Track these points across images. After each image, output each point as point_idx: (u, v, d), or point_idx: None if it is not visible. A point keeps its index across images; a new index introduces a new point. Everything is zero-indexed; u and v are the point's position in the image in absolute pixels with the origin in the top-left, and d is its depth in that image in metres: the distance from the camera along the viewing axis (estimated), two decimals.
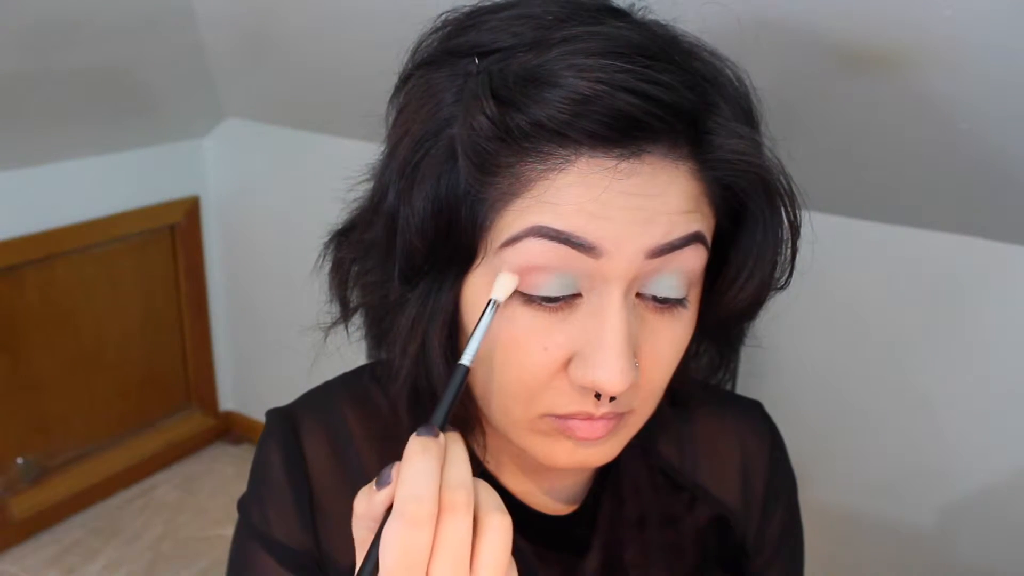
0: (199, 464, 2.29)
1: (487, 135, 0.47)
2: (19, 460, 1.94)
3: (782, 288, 0.56)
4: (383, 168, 0.54)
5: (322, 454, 0.62)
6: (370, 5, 1.33)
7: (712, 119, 0.49)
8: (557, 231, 0.46)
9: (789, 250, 0.54)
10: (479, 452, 0.61)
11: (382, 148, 0.55)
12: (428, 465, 0.42)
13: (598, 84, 0.44)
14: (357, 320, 0.62)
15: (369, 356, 0.65)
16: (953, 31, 0.86)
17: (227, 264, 2.26)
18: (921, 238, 1.31)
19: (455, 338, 0.53)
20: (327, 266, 0.61)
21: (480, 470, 0.62)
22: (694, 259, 0.49)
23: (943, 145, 1.07)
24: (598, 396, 0.49)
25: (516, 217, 0.47)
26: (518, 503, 0.62)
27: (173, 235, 2.15)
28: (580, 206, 0.46)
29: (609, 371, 0.47)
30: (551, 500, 0.63)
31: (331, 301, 0.61)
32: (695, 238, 0.49)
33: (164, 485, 2.19)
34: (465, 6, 0.54)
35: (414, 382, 0.55)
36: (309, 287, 0.67)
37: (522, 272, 0.48)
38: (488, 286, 0.49)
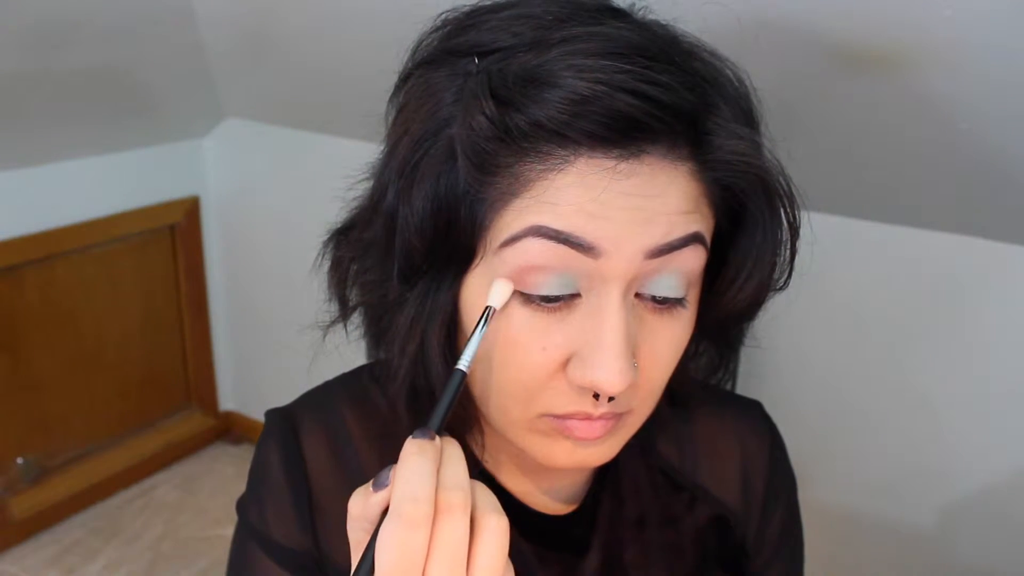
0: (199, 464, 2.29)
1: (486, 135, 0.47)
2: (19, 460, 1.94)
3: (781, 289, 0.56)
4: (382, 167, 0.54)
5: (321, 454, 0.62)
6: (370, 5, 1.33)
7: (712, 120, 0.49)
8: (556, 231, 0.46)
9: (788, 251, 0.54)
10: (478, 452, 0.61)
11: (382, 147, 0.55)
12: (424, 466, 0.42)
13: (597, 85, 0.44)
14: (356, 319, 0.62)
15: (368, 355, 0.65)
16: (953, 31, 0.86)
17: (227, 264, 2.26)
18: (921, 238, 1.31)
19: (454, 338, 0.53)
20: (326, 265, 0.61)
21: (478, 470, 0.62)
22: (693, 259, 0.49)
23: (943, 145, 1.07)
24: (596, 396, 0.49)
25: (515, 217, 0.47)
26: (517, 503, 0.62)
27: (173, 235, 2.15)
28: (579, 206, 0.46)
29: (607, 371, 0.47)
30: (550, 500, 0.63)
31: (330, 300, 0.61)
32: (694, 238, 0.49)
33: (164, 485, 2.19)
34: (465, 5, 0.54)
35: (412, 381, 0.55)
36: (309, 287, 0.67)
37: (521, 272, 0.48)
38: (487, 286, 0.49)
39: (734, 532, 0.67)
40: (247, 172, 2.13)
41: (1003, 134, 1.00)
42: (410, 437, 0.44)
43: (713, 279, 0.54)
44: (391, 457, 0.62)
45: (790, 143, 0.59)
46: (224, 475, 2.25)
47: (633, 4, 0.54)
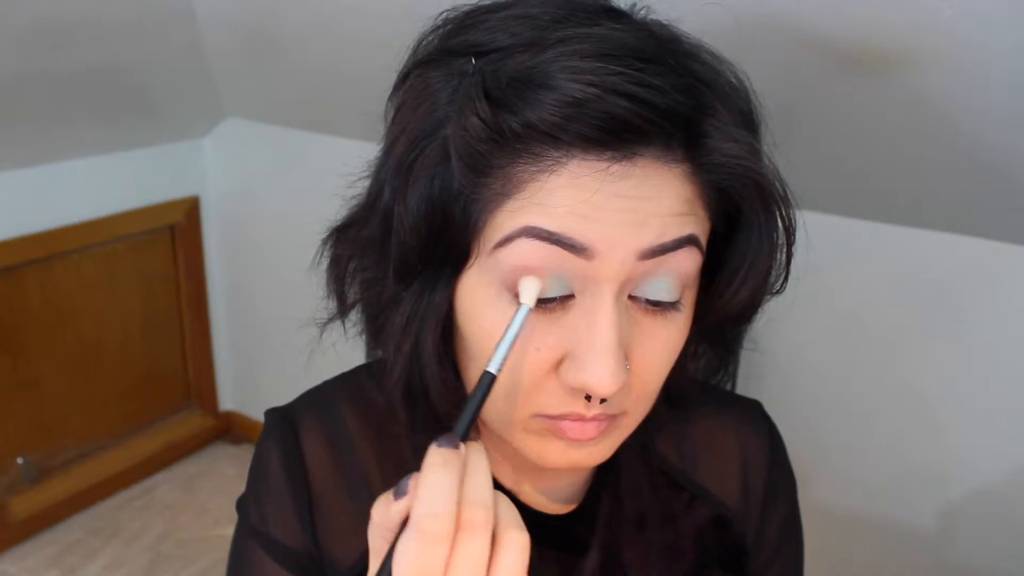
0: (199, 464, 2.29)
1: (480, 136, 0.47)
2: (19, 460, 1.94)
3: (778, 293, 0.56)
4: (380, 166, 0.54)
5: (321, 453, 0.62)
6: (370, 5, 1.33)
7: (707, 122, 0.49)
8: (549, 232, 0.46)
9: (784, 255, 0.54)
10: None
11: (381, 146, 0.55)
12: (446, 480, 0.41)
13: (590, 87, 0.44)
14: (354, 316, 0.62)
15: (367, 352, 0.66)
16: (953, 31, 0.86)
17: (227, 264, 2.26)
18: (921, 238, 1.31)
19: (449, 337, 0.54)
20: (325, 262, 0.61)
21: None
22: (687, 262, 0.49)
23: (943, 145, 1.07)
24: (589, 397, 0.49)
25: (508, 218, 0.47)
26: (516, 502, 0.62)
27: (173, 235, 2.15)
28: (571, 208, 0.46)
29: (599, 373, 0.47)
30: (549, 499, 0.63)
31: (328, 297, 0.61)
32: (688, 240, 0.48)
33: (164, 485, 2.19)
34: (466, 5, 0.54)
35: (408, 379, 0.55)
36: (309, 287, 0.67)
37: (515, 272, 0.48)
38: (482, 286, 0.49)
39: (734, 532, 0.67)
40: (247, 172, 2.13)
41: (1003, 134, 1.00)
42: (434, 444, 0.43)
43: (710, 282, 0.54)
44: (391, 456, 0.62)
45: (790, 144, 0.59)
46: (224, 475, 2.25)
47: (634, 5, 0.54)
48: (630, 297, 0.50)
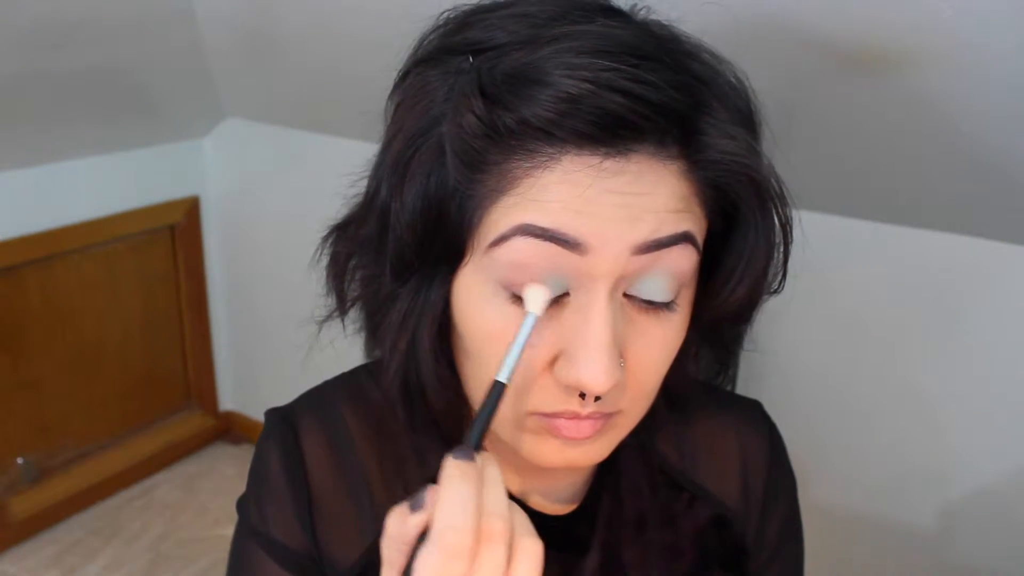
0: (199, 464, 2.29)
1: (474, 132, 0.47)
2: (19, 460, 1.94)
3: (776, 292, 0.56)
4: (378, 164, 0.54)
5: (321, 453, 0.62)
6: (370, 5, 1.34)
7: (703, 119, 0.49)
8: (543, 228, 0.46)
9: (781, 253, 0.54)
10: None
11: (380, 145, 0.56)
12: (467, 493, 0.41)
13: (584, 83, 0.44)
14: (353, 314, 0.63)
15: (365, 349, 0.66)
16: (953, 31, 0.86)
17: (227, 264, 2.26)
18: (921, 238, 1.31)
19: (445, 334, 0.54)
20: (325, 260, 0.62)
21: None
22: (683, 260, 0.49)
23: (943, 145, 1.07)
24: (583, 395, 0.49)
25: (503, 215, 0.47)
26: (516, 502, 0.62)
27: (173, 235, 2.15)
28: (565, 203, 0.46)
29: (592, 370, 0.47)
30: (549, 500, 0.63)
31: (328, 294, 0.61)
32: (684, 237, 0.48)
33: (164, 485, 2.19)
34: (466, 4, 0.54)
35: (404, 376, 0.55)
36: (309, 286, 0.67)
37: (510, 271, 0.48)
38: (477, 284, 0.49)
39: (734, 532, 0.67)
40: (247, 172, 2.13)
41: (1003, 134, 1.00)
42: (451, 456, 0.43)
43: (707, 282, 0.54)
44: (391, 456, 0.62)
45: (789, 144, 0.59)
46: (224, 475, 2.25)
47: (635, 5, 0.54)
48: (626, 295, 0.49)
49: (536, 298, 0.47)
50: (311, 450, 0.62)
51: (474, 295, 0.50)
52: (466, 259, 0.50)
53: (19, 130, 1.67)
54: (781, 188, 0.53)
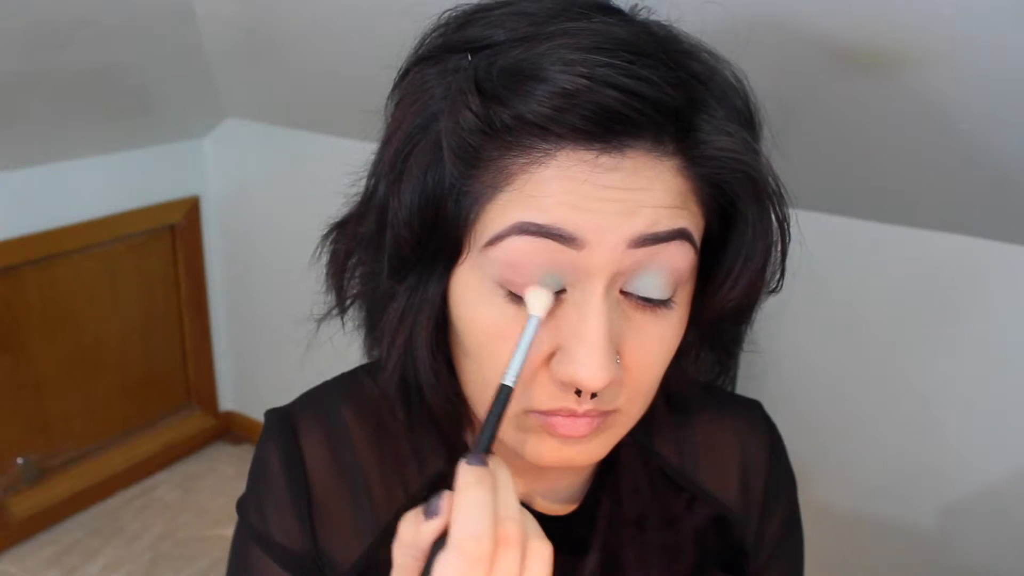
0: (199, 464, 2.29)
1: (471, 128, 0.47)
2: (19, 460, 1.94)
3: (774, 291, 0.56)
4: (376, 161, 0.55)
5: (321, 454, 0.62)
6: (370, 4, 1.33)
7: (700, 116, 0.49)
8: (539, 225, 0.46)
9: (778, 252, 0.54)
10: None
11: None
12: (484, 500, 0.42)
13: (579, 79, 0.45)
14: (351, 311, 0.63)
15: (364, 347, 0.66)
16: (953, 31, 0.86)
17: (227, 264, 2.26)
18: (921, 238, 1.31)
19: (443, 331, 0.54)
20: (325, 258, 0.62)
21: None
22: (679, 257, 0.49)
23: (943, 145, 1.07)
24: (579, 392, 0.49)
25: (499, 212, 0.47)
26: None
27: (173, 235, 2.15)
28: (560, 199, 0.46)
29: (588, 367, 0.47)
30: (549, 500, 0.63)
31: (327, 292, 0.62)
32: (680, 234, 0.48)
33: (164, 485, 2.19)
34: (466, 4, 0.54)
35: (402, 373, 0.55)
36: (309, 286, 0.67)
37: (507, 270, 0.48)
38: (475, 282, 0.50)
39: (734, 532, 0.67)
40: (247, 172, 2.13)
41: (1003, 134, 1.00)
42: (464, 463, 0.44)
43: (706, 281, 0.54)
44: (391, 455, 0.62)
45: (789, 143, 0.59)
46: (224, 475, 2.25)
47: (635, 5, 0.54)
48: (623, 293, 0.49)
49: (538, 301, 0.47)
50: (311, 451, 0.62)
51: (471, 293, 0.50)
52: (463, 256, 0.50)
53: (19, 130, 1.67)
54: (778, 186, 0.53)
